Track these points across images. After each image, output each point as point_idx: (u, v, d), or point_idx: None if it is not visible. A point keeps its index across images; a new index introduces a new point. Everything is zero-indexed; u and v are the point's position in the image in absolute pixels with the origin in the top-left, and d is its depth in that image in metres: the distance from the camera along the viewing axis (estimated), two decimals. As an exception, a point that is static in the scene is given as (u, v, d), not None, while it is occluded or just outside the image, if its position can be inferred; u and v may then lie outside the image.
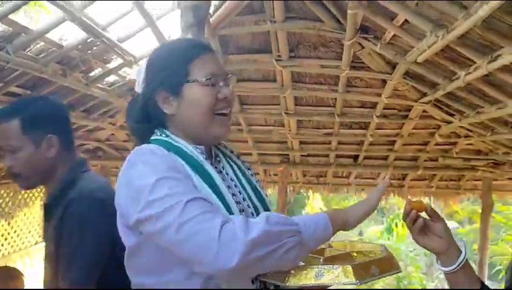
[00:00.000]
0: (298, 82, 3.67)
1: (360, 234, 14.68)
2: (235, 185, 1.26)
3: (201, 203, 0.99)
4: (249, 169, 1.38)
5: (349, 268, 0.99)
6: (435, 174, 4.80)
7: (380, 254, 1.17)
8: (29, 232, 4.89)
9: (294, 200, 16.84)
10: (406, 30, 2.64)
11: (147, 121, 1.23)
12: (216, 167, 1.24)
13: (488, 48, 2.34)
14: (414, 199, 1.24)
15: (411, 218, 1.12)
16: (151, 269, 1.13)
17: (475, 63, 2.48)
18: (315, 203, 15.99)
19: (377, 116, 3.88)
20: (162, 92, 1.18)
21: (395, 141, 4.33)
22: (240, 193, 1.24)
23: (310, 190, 5.49)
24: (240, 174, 1.30)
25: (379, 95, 3.59)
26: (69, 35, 2.76)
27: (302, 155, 4.80)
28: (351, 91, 3.65)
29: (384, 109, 3.81)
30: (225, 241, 0.93)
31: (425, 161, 4.60)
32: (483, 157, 4.35)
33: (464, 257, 1.11)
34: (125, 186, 1.09)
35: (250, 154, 4.76)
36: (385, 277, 1.06)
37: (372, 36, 2.93)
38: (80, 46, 2.85)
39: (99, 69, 3.28)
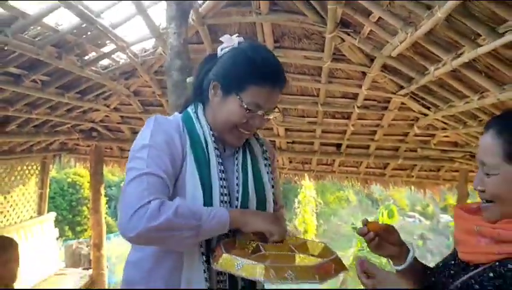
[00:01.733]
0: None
1: (353, 223, 14.92)
2: (237, 170, 1.42)
3: (153, 180, 1.23)
4: (266, 159, 1.51)
5: (262, 267, 1.10)
6: (415, 165, 4.99)
7: (315, 262, 1.21)
8: (25, 207, 5.09)
9: (289, 189, 17.12)
10: (381, 26, 2.81)
11: (198, 89, 1.44)
12: (225, 151, 1.43)
13: (452, 45, 2.53)
14: (370, 220, 1.33)
15: (368, 237, 1.27)
16: None
17: (441, 60, 2.67)
18: (307, 192, 16.24)
19: (358, 107, 4.06)
20: (218, 82, 1.36)
21: (375, 131, 4.52)
22: (237, 179, 1.40)
23: (296, 177, 5.65)
24: (249, 162, 1.45)
25: (359, 86, 3.77)
26: (64, 20, 2.92)
27: (288, 142, 4.98)
28: (333, 82, 3.82)
29: (365, 100, 3.99)
30: (135, 218, 1.16)
31: (405, 151, 4.79)
32: (459, 149, 4.54)
33: (412, 256, 1.30)
34: (136, 138, 1.36)
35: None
36: (299, 283, 1.09)
37: (351, 30, 3.10)
38: (74, 31, 3.01)
39: (93, 53, 3.45)
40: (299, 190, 16.20)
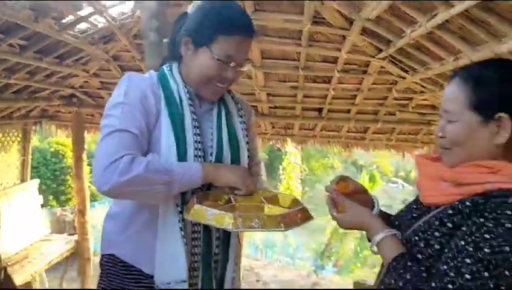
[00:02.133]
0: (263, 35, 3.84)
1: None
2: (211, 127, 1.46)
3: (125, 136, 1.27)
4: (241, 116, 1.55)
5: (231, 216, 1.16)
6: (394, 128, 5.09)
7: (281, 211, 1.29)
8: (7, 174, 5.08)
9: (274, 157, 17.27)
10: (359, -12, 2.83)
11: (172, 47, 1.47)
12: (201, 107, 1.46)
13: (428, 7, 2.56)
14: (339, 181, 1.33)
15: (332, 202, 1.29)
16: None
17: (417, 22, 2.71)
18: (292, 159, 16.40)
19: (338, 71, 4.09)
20: (188, 36, 1.38)
21: (356, 96, 4.57)
22: (212, 134, 1.45)
23: (279, 142, 5.71)
24: (224, 118, 1.48)
25: (339, 50, 3.79)
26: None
27: (270, 107, 5.02)
28: (314, 45, 3.83)
29: (345, 64, 4.02)
30: (107, 172, 1.20)
31: (384, 115, 4.86)
32: (437, 112, 4.62)
33: (378, 209, 1.36)
34: (112, 95, 1.39)
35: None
36: (266, 231, 1.17)
37: (330, -8, 3.11)
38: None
39: (71, 17, 3.40)
40: (284, 157, 16.36)
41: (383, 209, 1.39)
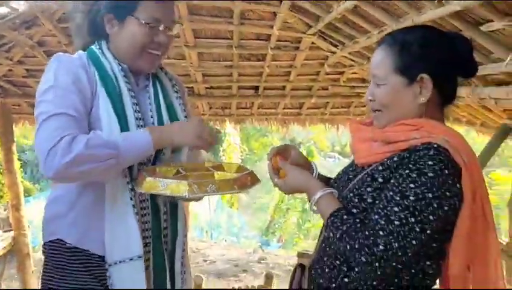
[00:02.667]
0: (195, 15, 3.81)
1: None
2: (150, 103, 1.45)
3: (62, 119, 1.23)
4: (176, 92, 1.55)
5: (185, 183, 1.19)
6: (327, 102, 5.27)
7: (232, 176, 1.35)
8: None
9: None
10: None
11: (93, 28, 1.43)
12: (138, 85, 1.46)
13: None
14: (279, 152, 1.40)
15: (274, 169, 1.35)
16: None
17: (343, -5, 2.81)
18: (232, 139, 16.50)
19: (272, 48, 4.17)
20: (110, 13, 1.36)
21: (290, 72, 4.68)
22: (151, 111, 1.45)
23: (218, 122, 5.72)
24: (160, 94, 1.48)
25: (271, 27, 3.85)
26: None
27: (206, 88, 5.01)
28: (245, 23, 3.87)
29: (277, 41, 4.09)
30: (49, 158, 1.18)
31: (318, 90, 5.02)
32: (366, 84, 4.84)
33: (317, 172, 1.44)
34: (38, 87, 1.34)
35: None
36: (221, 194, 1.27)
37: (259, -31, 3.14)
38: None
39: (-13, 0, 3.20)
40: (223, 138, 16.41)
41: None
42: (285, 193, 1.37)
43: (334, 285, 1.19)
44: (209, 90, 5.09)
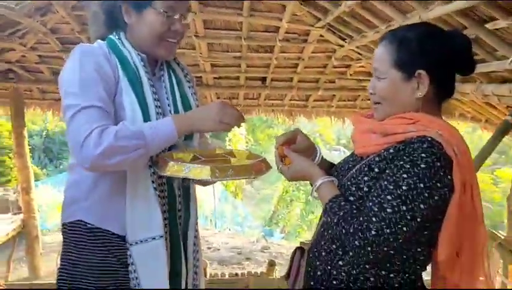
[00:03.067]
0: (206, 6, 3.87)
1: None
2: (166, 92, 1.51)
3: (91, 112, 1.28)
4: (188, 82, 1.60)
5: (208, 168, 1.26)
6: (334, 95, 5.32)
7: (248, 162, 1.41)
8: None
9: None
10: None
11: (111, 20, 1.47)
12: (155, 74, 1.51)
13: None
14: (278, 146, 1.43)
15: (280, 156, 1.40)
16: None
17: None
18: (238, 131, 16.56)
19: (280, 40, 4.22)
20: (128, 4, 1.41)
21: (297, 64, 4.74)
22: (167, 99, 1.50)
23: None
24: (175, 83, 1.54)
25: (280, 19, 3.90)
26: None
27: (214, 78, 5.08)
28: (255, 15, 3.92)
29: (286, 33, 4.15)
30: (84, 150, 1.23)
31: (325, 82, 5.07)
32: (373, 78, 4.89)
33: (320, 156, 1.48)
34: (61, 76, 1.37)
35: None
36: (240, 178, 1.32)
37: (269, -38, 3.20)
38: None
39: (4, -13, 3.27)
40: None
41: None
42: (289, 180, 1.43)
43: (329, 267, 1.26)
44: (217, 81, 5.15)
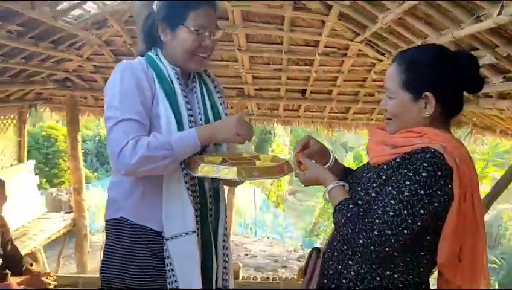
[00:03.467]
0: (248, 21, 4.06)
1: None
2: (197, 102, 1.69)
3: (127, 124, 1.47)
4: (218, 92, 1.78)
5: (235, 169, 1.42)
6: (373, 108, 5.36)
7: (272, 164, 1.56)
8: (5, 155, 5.30)
9: (265, 140, 17.56)
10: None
11: (150, 38, 1.67)
12: (188, 86, 1.69)
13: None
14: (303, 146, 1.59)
15: (297, 163, 1.53)
16: None
17: (388, 8, 2.96)
18: (281, 141, 16.71)
19: (319, 54, 4.34)
20: (164, 23, 1.59)
21: (337, 77, 4.83)
22: (199, 108, 1.68)
23: (265, 122, 5.96)
24: (206, 94, 1.71)
25: (320, 34, 4.03)
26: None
27: (255, 89, 5.26)
28: (295, 30, 4.07)
29: (325, 47, 4.26)
30: (120, 159, 1.42)
31: (364, 95, 5.14)
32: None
33: (333, 159, 1.61)
34: (106, 88, 1.58)
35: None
36: (265, 179, 1.49)
37: (309, -19, 3.34)
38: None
39: (65, 4, 3.59)
40: (272, 138, 16.64)
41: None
42: (304, 184, 1.54)
43: (340, 266, 1.38)
44: (258, 92, 5.33)
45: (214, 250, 1.67)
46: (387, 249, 1.23)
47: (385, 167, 1.34)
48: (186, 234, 1.56)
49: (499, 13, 2.06)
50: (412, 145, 1.30)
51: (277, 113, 5.70)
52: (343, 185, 1.41)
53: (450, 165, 1.20)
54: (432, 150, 1.23)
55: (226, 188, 1.83)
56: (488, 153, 8.59)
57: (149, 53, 1.66)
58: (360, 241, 1.23)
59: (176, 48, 1.61)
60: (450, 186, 1.21)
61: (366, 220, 1.24)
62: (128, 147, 1.42)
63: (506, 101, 3.06)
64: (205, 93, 1.72)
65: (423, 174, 1.20)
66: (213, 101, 1.73)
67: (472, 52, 2.80)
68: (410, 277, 1.31)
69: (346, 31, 3.90)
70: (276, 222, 13.64)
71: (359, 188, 1.38)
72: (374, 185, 1.33)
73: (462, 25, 2.54)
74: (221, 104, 1.76)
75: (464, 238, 1.25)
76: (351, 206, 1.32)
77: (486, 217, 10.82)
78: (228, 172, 1.43)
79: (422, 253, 1.30)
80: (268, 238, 11.04)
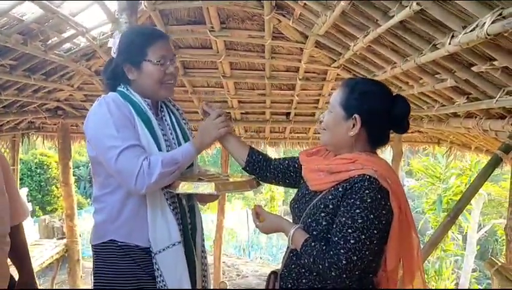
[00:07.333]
0: (231, 49, 4.28)
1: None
2: (169, 128, 1.86)
3: (133, 149, 1.62)
4: (183, 119, 1.98)
5: (212, 184, 1.63)
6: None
7: (243, 179, 1.80)
8: None
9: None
10: (308, 9, 3.30)
11: (116, 78, 1.82)
12: (158, 115, 1.86)
13: (364, 25, 3.03)
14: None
15: (255, 214, 1.71)
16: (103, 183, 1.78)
17: (357, 38, 3.18)
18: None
19: (300, 79, 4.57)
20: (128, 64, 1.76)
21: (318, 100, 5.05)
22: (171, 134, 1.85)
23: (253, 145, 6.13)
24: (174, 121, 1.90)
25: (299, 61, 4.25)
26: (28, 11, 3.26)
27: (241, 113, 5.47)
28: (276, 57, 4.30)
29: (305, 72, 4.49)
30: (139, 180, 1.59)
31: (345, 117, 5.34)
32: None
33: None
34: (92, 120, 1.72)
35: (196, 112, 5.33)
36: (238, 192, 1.76)
37: (285, 12, 3.57)
38: (38, 20, 3.35)
39: (56, 38, 3.79)
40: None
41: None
42: (264, 233, 1.74)
43: (297, 277, 1.56)
44: (245, 116, 5.54)
45: (195, 258, 1.84)
46: (357, 272, 1.39)
47: (329, 196, 1.49)
48: (173, 245, 1.73)
49: (450, 43, 2.28)
50: (348, 171, 1.47)
51: (264, 136, 5.89)
52: (300, 227, 1.55)
53: (385, 187, 1.40)
54: (368, 177, 1.41)
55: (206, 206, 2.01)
56: (470, 169, 8.84)
57: (120, 89, 1.80)
58: (332, 273, 1.39)
59: (144, 82, 1.77)
60: (389, 204, 1.40)
61: (331, 253, 1.40)
62: (144, 169, 1.58)
63: (471, 120, 3.27)
64: (174, 121, 1.91)
65: (368, 201, 1.39)
66: (182, 127, 1.93)
67: (435, 76, 3.06)
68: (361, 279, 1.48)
69: (324, 57, 4.13)
70: (270, 243, 13.71)
71: (309, 220, 1.53)
72: (323, 214, 1.49)
73: (423, 51, 2.76)
74: (187, 129, 1.96)
75: (403, 242, 1.44)
76: (312, 244, 1.46)
77: (481, 233, 10.99)
78: (206, 187, 1.63)
79: (372, 259, 1.47)
80: (261, 258, 11.11)
